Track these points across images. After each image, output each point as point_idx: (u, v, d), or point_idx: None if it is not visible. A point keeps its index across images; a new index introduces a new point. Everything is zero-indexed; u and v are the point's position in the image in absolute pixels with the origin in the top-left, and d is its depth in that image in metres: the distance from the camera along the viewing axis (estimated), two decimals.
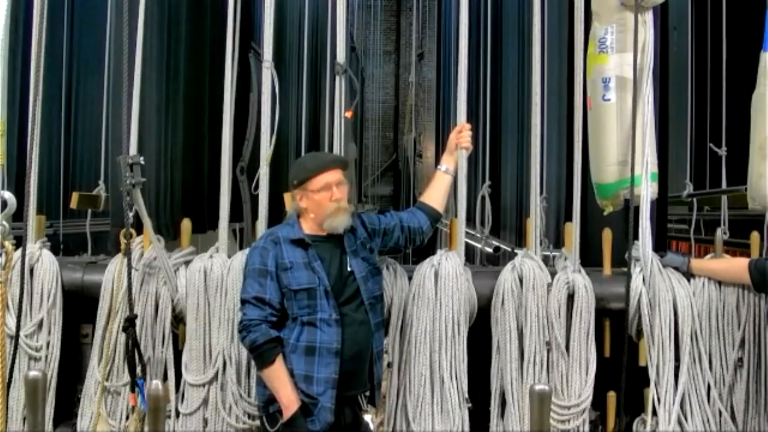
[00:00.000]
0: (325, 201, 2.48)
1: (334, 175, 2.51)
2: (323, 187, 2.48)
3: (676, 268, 2.76)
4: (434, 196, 2.76)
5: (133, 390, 2.70)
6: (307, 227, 2.53)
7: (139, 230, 2.86)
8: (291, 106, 5.21)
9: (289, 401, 2.37)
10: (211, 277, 2.80)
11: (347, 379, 2.44)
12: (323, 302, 2.42)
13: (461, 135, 2.78)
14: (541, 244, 2.98)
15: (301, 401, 2.38)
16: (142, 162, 2.68)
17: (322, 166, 2.53)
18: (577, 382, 2.67)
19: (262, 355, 2.39)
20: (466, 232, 3.64)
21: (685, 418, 2.66)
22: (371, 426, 2.77)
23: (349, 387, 2.47)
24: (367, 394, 2.56)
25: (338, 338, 2.41)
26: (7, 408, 2.67)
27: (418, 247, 2.97)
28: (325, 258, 2.48)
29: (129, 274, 2.72)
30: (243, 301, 2.45)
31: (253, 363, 2.75)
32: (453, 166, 2.77)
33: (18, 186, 2.95)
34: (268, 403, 2.45)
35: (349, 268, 2.50)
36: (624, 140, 2.75)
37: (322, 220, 2.49)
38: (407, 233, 2.68)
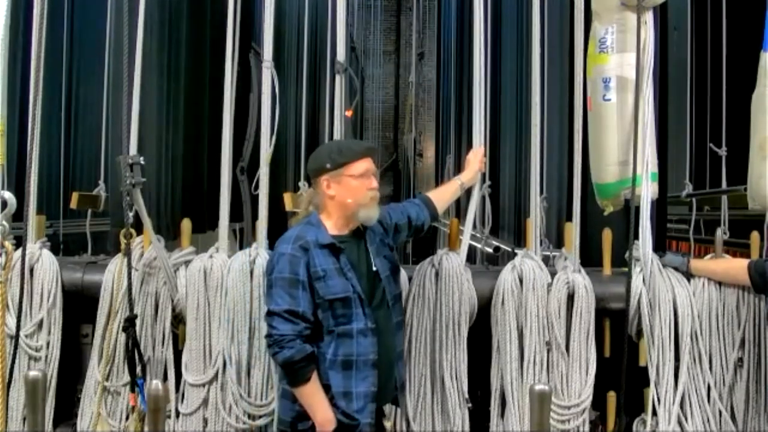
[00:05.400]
0: (363, 188, 2.34)
1: (371, 163, 2.39)
2: (364, 173, 2.35)
3: (676, 269, 2.76)
4: (443, 200, 2.79)
5: (133, 390, 2.71)
6: (331, 226, 2.37)
7: (139, 230, 2.86)
8: (290, 105, 5.20)
9: (324, 420, 2.24)
10: (211, 277, 2.80)
11: (380, 391, 2.33)
12: (358, 311, 2.28)
13: (482, 160, 2.91)
14: (541, 244, 2.98)
15: (339, 421, 2.25)
16: (142, 162, 2.68)
17: (366, 150, 2.40)
18: (577, 382, 2.68)
19: (297, 372, 2.23)
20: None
21: (685, 418, 2.66)
22: None
23: (381, 399, 2.37)
24: (390, 403, 2.47)
25: (374, 348, 2.29)
26: (7, 408, 2.66)
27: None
28: (354, 261, 2.34)
29: (129, 274, 2.73)
30: (272, 313, 2.24)
31: (253, 363, 2.76)
32: (469, 184, 2.88)
33: (18, 186, 2.95)
34: (297, 420, 2.31)
35: (374, 268, 2.37)
36: (624, 140, 2.75)
37: (356, 209, 2.34)
38: (412, 231, 2.62)
